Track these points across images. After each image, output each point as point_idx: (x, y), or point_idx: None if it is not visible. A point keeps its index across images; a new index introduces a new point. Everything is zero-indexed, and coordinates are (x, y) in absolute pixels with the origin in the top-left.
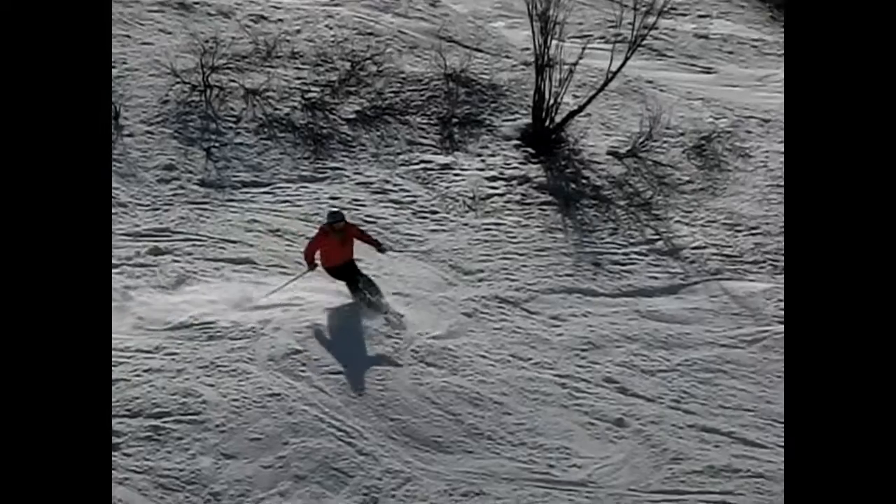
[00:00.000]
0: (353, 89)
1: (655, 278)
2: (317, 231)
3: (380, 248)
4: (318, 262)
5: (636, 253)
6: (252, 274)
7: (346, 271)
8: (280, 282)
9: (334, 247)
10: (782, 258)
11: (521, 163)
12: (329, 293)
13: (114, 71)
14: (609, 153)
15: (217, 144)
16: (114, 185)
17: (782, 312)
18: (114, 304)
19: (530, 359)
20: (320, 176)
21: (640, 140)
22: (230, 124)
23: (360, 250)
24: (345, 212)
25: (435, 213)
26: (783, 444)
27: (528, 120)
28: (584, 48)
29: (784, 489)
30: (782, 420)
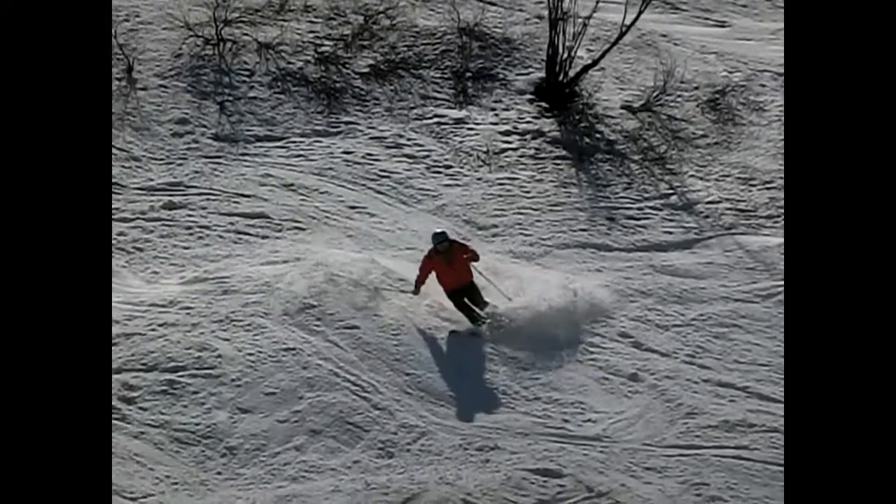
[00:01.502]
0: (366, 43)
1: (670, 233)
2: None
3: (475, 258)
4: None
5: (650, 208)
6: (267, 229)
7: (462, 295)
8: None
9: (442, 269)
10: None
11: (534, 117)
12: (344, 248)
13: (127, 24)
14: (623, 107)
15: (230, 98)
16: (128, 138)
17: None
18: (129, 257)
19: (545, 314)
20: (334, 130)
21: (654, 94)
22: (243, 78)
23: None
24: (448, 232)
25: (449, 167)
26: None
27: (542, 74)
28: (597, 1)
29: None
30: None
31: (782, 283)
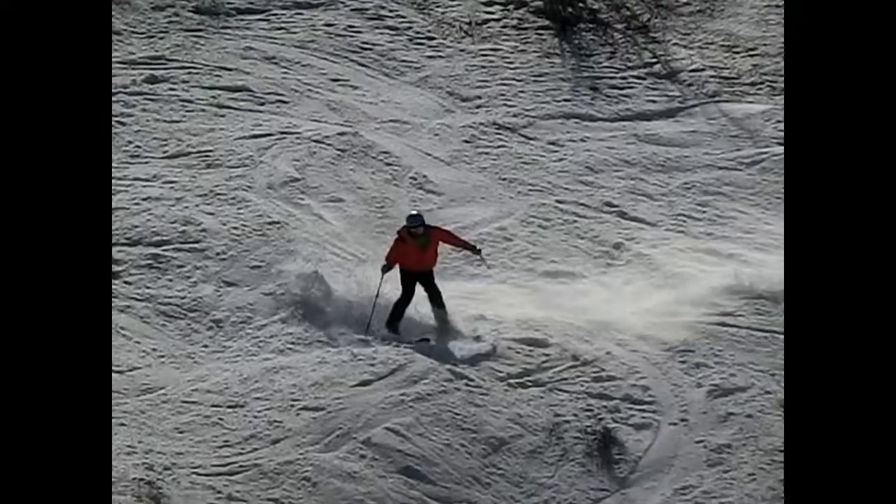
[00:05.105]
0: None
1: (653, 102)
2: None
3: (476, 251)
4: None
5: (634, 77)
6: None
7: (416, 281)
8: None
9: (412, 253)
10: (780, 79)
11: None
12: (327, 121)
13: None
14: None
15: None
16: None
17: (781, 133)
18: (112, 132)
19: (530, 184)
20: (315, 2)
21: None
22: None
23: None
24: (424, 212)
25: (431, 38)
26: (783, 263)
27: None
28: None
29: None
30: (781, 241)
31: (766, 149)
